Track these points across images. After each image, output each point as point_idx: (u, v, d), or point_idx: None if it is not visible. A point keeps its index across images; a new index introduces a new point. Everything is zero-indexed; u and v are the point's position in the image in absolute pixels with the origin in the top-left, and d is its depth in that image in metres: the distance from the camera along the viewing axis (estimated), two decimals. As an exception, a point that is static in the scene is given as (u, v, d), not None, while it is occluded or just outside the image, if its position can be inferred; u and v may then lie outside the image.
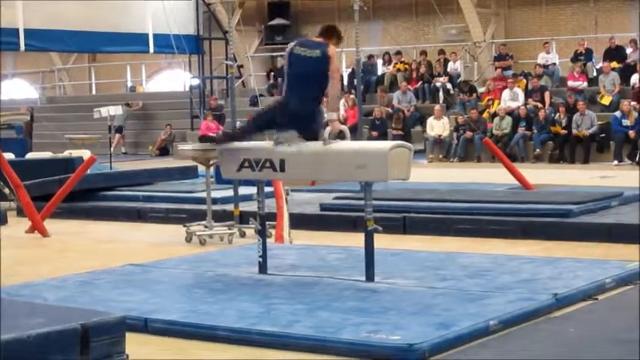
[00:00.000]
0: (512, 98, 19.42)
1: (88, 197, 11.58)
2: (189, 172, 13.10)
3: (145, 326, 5.42)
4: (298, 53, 6.67)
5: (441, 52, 22.50)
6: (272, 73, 24.51)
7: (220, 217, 9.79)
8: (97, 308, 5.09)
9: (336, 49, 6.75)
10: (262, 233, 6.90)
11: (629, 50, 20.14)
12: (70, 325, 4.17)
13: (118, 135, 23.88)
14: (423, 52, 22.62)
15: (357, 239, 7.15)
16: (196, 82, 24.77)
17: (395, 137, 18.79)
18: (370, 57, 23.10)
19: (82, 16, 20.90)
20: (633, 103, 17.78)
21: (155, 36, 22.23)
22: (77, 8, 20.80)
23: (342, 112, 19.71)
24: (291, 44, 6.77)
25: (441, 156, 19.44)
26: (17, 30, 19.86)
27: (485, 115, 19.61)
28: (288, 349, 4.97)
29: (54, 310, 4.80)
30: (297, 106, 6.61)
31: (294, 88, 6.68)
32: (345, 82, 21.84)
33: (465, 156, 19.07)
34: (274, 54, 25.52)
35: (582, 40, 20.89)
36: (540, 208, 9.23)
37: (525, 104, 19.11)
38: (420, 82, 21.77)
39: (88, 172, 11.21)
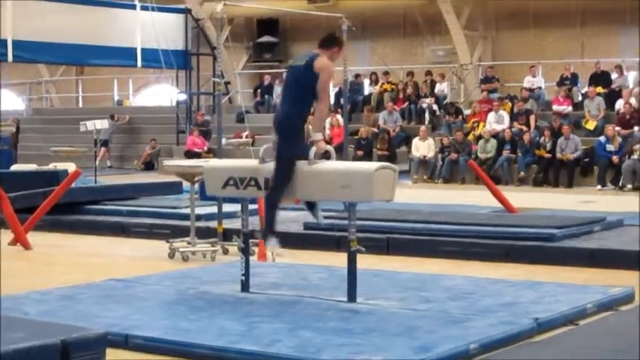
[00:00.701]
0: (497, 121, 19.48)
1: (73, 210, 11.55)
2: (173, 188, 13.10)
3: (125, 342, 5.41)
4: (291, 64, 6.70)
5: (428, 73, 22.57)
6: (259, 90, 24.54)
7: (204, 233, 9.79)
8: (79, 323, 5.08)
9: (333, 60, 6.51)
10: (245, 251, 6.90)
11: (614, 75, 20.28)
12: (51, 340, 4.17)
13: (103, 148, 23.81)
14: (410, 73, 22.70)
15: (340, 259, 7.15)
16: (183, 97, 24.77)
17: (380, 157, 18.83)
18: (357, 76, 23.15)
19: (70, 29, 20.91)
20: (617, 128, 17.88)
21: (143, 50, 22.24)
22: (66, 21, 20.81)
23: (327, 131, 19.75)
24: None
25: (425, 177, 19.45)
26: (5, 41, 19.87)
27: (470, 137, 19.67)
28: (268, 368, 4.97)
29: (34, 324, 4.79)
30: (281, 117, 6.62)
31: (284, 97, 6.70)
32: (332, 101, 21.85)
33: (450, 177, 19.08)
34: (262, 71, 25.55)
35: (568, 64, 20.99)
36: (523, 231, 9.27)
37: (510, 127, 19.17)
38: (407, 103, 21.82)
39: (73, 185, 11.19)
